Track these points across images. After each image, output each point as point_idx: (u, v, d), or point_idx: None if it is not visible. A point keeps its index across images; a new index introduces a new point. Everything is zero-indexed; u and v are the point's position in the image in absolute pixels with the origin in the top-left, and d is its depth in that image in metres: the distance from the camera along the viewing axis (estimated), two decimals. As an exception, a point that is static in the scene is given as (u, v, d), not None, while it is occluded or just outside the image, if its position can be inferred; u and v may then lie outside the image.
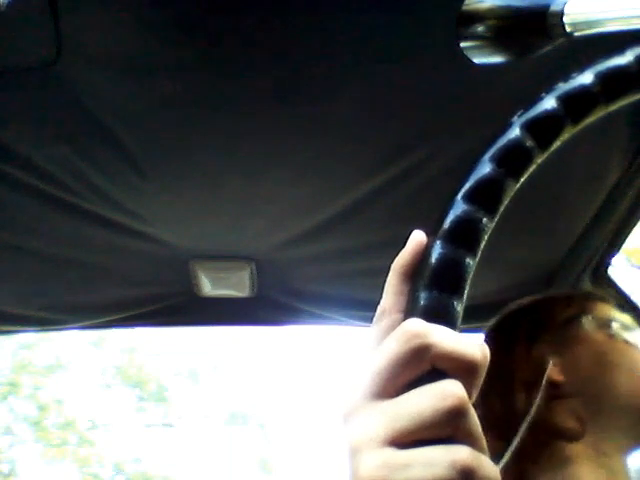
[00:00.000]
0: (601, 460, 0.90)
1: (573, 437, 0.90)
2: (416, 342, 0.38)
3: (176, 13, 0.96)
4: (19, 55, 1.00)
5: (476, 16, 0.53)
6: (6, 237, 1.35)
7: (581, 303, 1.02)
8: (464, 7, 0.54)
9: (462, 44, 0.54)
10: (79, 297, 1.55)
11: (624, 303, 1.41)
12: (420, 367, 0.38)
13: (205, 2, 0.95)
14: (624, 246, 1.41)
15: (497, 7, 0.53)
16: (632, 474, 0.92)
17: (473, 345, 0.39)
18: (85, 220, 1.30)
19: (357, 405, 0.40)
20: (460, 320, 0.40)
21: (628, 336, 0.98)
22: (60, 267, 1.44)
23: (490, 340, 1.02)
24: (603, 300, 1.05)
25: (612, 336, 0.97)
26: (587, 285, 1.45)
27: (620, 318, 1.01)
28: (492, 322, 1.06)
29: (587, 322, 0.98)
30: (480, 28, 0.53)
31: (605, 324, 0.98)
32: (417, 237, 0.44)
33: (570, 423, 0.91)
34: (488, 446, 0.38)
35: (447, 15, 0.57)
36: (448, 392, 0.37)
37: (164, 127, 1.12)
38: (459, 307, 0.40)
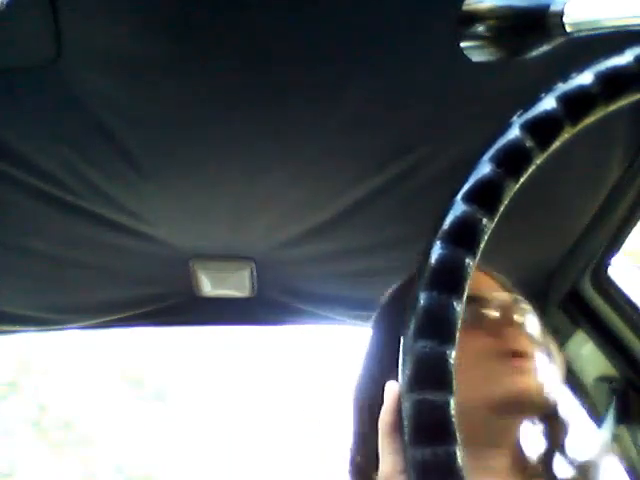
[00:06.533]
0: (476, 462, 0.83)
1: None
2: None
3: (176, 13, 0.96)
4: (19, 55, 1.00)
5: (476, 16, 0.53)
6: (6, 237, 1.35)
7: None
8: (464, 7, 0.54)
9: (462, 44, 0.54)
10: (79, 297, 1.55)
11: (624, 303, 1.41)
12: None
13: (206, 1, 0.95)
14: (624, 246, 1.41)
15: (497, 7, 0.53)
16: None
17: None
18: (85, 220, 1.30)
19: None
20: (460, 320, 0.40)
21: (489, 314, 0.86)
22: (60, 267, 1.44)
23: (376, 333, 0.97)
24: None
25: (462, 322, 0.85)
26: (587, 285, 1.45)
27: (482, 294, 0.89)
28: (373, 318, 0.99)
29: None
30: (480, 28, 0.53)
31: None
32: (391, 390, 0.43)
33: None
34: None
35: (447, 15, 0.57)
36: None
37: (164, 127, 1.12)
38: (459, 307, 0.40)
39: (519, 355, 0.84)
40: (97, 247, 1.39)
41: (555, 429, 0.90)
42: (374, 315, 1.00)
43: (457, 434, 0.38)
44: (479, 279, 0.93)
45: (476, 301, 0.87)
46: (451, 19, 0.55)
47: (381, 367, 0.88)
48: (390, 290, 1.01)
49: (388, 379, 0.50)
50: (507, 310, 0.89)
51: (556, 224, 1.38)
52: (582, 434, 0.98)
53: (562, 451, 0.90)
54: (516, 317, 0.87)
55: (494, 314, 0.88)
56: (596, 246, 1.40)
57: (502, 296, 0.91)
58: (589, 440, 1.19)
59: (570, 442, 0.91)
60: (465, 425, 0.81)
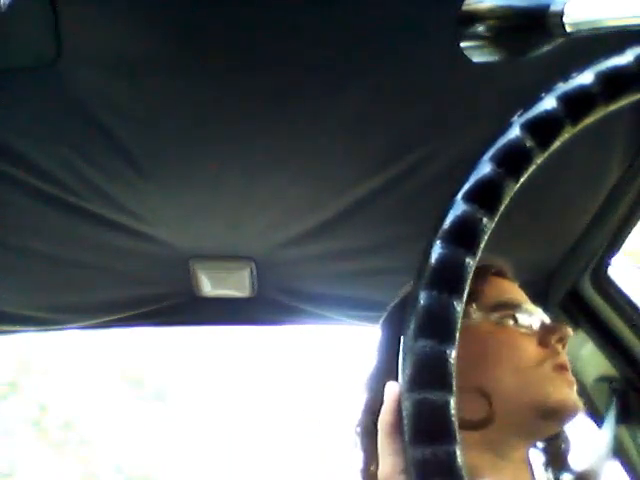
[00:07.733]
0: (498, 449, 0.88)
1: (469, 427, 0.85)
2: None
3: (176, 13, 0.96)
4: (19, 55, 1.00)
5: (476, 16, 0.53)
6: (6, 237, 1.35)
7: (470, 287, 0.93)
8: (464, 7, 0.54)
9: (462, 44, 0.54)
10: (79, 297, 1.55)
11: (624, 303, 1.41)
12: None
13: (206, 1, 0.95)
14: (624, 246, 1.41)
15: (497, 7, 0.53)
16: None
17: None
18: (85, 220, 1.30)
19: None
20: (460, 320, 0.40)
21: (521, 318, 0.92)
22: (60, 267, 1.44)
23: (384, 334, 0.99)
24: (498, 274, 0.99)
25: (498, 324, 0.91)
26: (587, 285, 1.45)
27: (511, 298, 0.95)
28: (382, 320, 1.02)
29: (472, 311, 0.91)
30: (480, 28, 0.53)
31: (491, 310, 0.92)
32: (391, 390, 0.43)
33: (466, 415, 0.87)
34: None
35: (447, 15, 0.57)
36: None
37: (164, 127, 1.12)
38: (459, 307, 0.40)
39: (566, 369, 0.90)
40: (97, 247, 1.39)
41: (558, 446, 0.96)
42: (382, 317, 1.02)
43: (457, 434, 0.38)
44: (512, 289, 0.99)
45: (521, 309, 0.93)
46: (451, 19, 0.55)
47: (387, 369, 0.90)
48: (400, 292, 1.02)
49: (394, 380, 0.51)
50: (551, 324, 0.95)
51: (556, 224, 1.38)
52: (583, 443, 1.03)
53: (564, 466, 0.95)
54: (561, 332, 0.93)
55: (537, 325, 0.93)
56: (596, 246, 1.40)
57: (539, 310, 0.97)
58: (589, 447, 1.20)
59: (571, 458, 0.97)
60: (507, 418, 0.87)
